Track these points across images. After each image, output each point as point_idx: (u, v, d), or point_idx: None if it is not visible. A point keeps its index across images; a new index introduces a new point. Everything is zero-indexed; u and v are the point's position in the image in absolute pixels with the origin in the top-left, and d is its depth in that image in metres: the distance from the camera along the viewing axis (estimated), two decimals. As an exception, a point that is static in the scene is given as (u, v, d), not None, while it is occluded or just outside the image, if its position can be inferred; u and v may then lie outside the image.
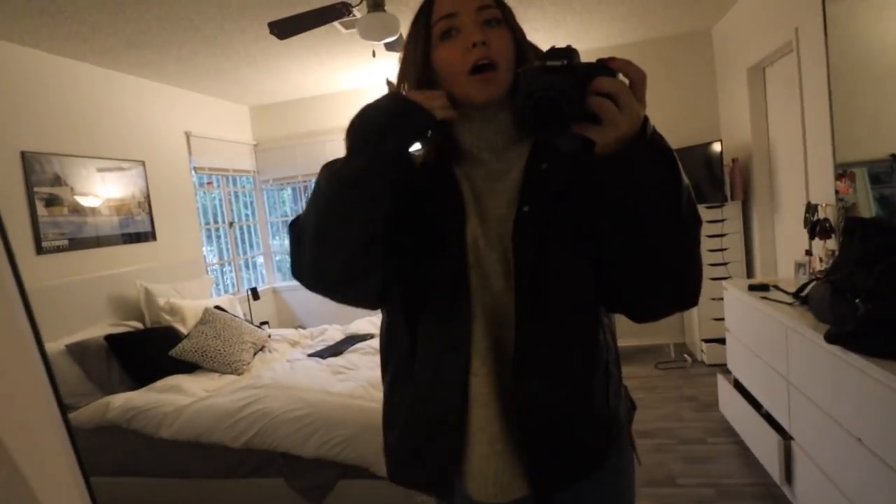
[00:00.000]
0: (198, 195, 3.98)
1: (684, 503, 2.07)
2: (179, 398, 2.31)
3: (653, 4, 3.17)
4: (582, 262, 0.70)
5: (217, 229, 4.30)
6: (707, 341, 3.48)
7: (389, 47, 2.68)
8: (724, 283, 2.63)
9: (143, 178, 3.38)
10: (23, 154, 2.63)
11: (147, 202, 3.39)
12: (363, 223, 0.65)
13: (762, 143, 3.32)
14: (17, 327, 0.32)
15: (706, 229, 3.34)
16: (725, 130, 3.78)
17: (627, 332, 3.67)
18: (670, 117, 3.80)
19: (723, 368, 2.75)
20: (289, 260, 0.74)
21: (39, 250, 2.66)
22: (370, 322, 3.34)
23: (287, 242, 0.72)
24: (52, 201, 2.75)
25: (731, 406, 2.51)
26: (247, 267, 4.66)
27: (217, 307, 3.13)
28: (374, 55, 3.00)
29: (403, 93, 0.72)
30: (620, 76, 0.60)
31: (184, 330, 2.88)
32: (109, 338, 2.57)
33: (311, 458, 1.98)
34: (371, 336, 3.08)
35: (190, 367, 2.68)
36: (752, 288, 2.33)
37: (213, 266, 4.16)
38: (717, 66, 3.86)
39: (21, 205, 2.61)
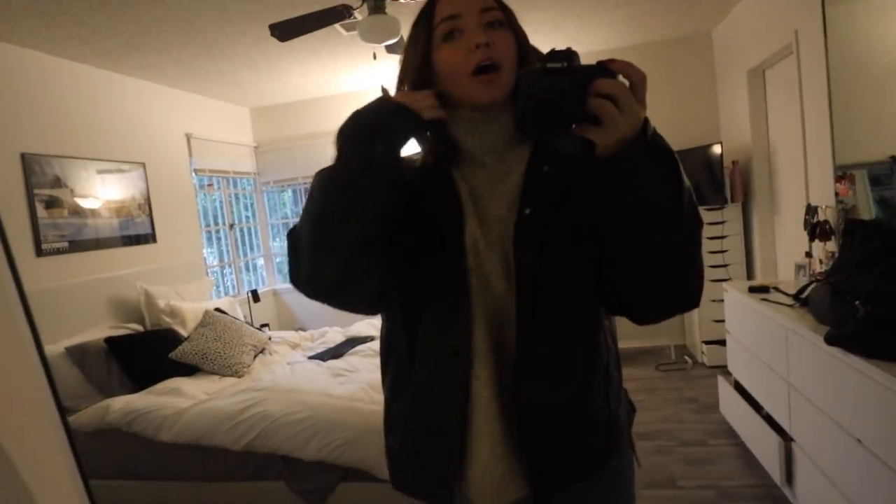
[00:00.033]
0: (198, 197, 3.98)
1: (685, 505, 2.07)
2: (179, 401, 2.31)
3: (653, 7, 3.18)
4: (583, 264, 0.70)
5: (217, 231, 4.30)
6: (707, 343, 3.48)
7: (390, 49, 2.69)
8: (724, 284, 2.63)
9: (144, 180, 3.38)
10: (23, 156, 2.63)
11: (147, 204, 3.39)
12: (357, 225, 0.65)
13: (762, 146, 3.32)
14: (16, 330, 0.32)
15: (706, 231, 3.34)
16: (725, 132, 3.78)
17: (628, 334, 3.67)
18: (671, 119, 3.80)
19: (723, 370, 2.75)
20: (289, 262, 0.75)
21: (39, 252, 2.66)
22: (370, 324, 3.34)
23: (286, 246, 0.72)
24: (52, 203, 2.75)
25: (732, 408, 2.50)
26: (247, 269, 4.66)
27: (217, 309, 3.12)
28: (374, 57, 3.00)
29: (392, 95, 0.73)
30: (620, 78, 0.60)
31: (184, 332, 2.87)
32: (109, 340, 2.57)
33: (311, 460, 1.97)
34: (371, 338, 3.07)
35: (190, 370, 2.68)
36: (752, 290, 2.33)
37: (213, 268, 4.16)
38: (717, 68, 3.87)
39: (21, 207, 2.61)
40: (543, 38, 3.42)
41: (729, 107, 3.72)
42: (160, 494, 2.13)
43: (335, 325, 3.63)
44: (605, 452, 0.74)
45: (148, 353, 2.66)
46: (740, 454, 2.36)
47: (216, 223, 4.28)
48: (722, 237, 3.50)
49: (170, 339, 2.77)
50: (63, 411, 0.35)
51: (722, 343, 2.93)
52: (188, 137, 3.84)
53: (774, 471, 1.97)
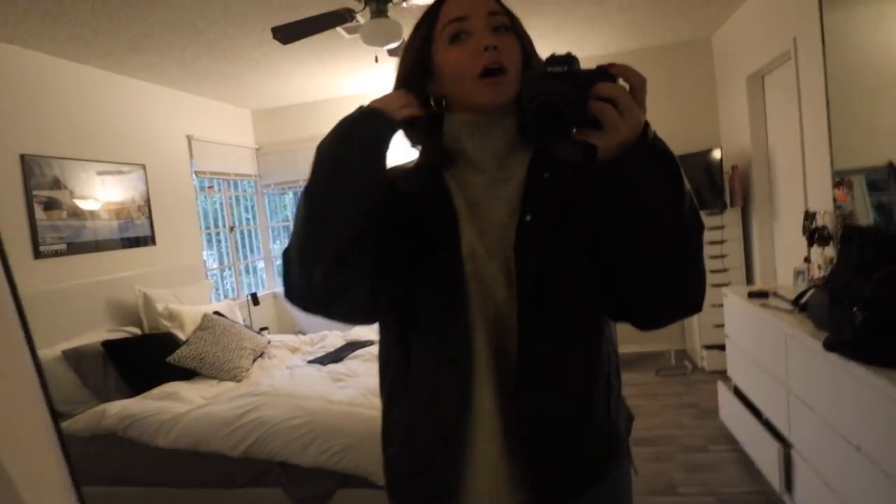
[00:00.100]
0: (198, 199, 3.98)
1: (684, 512, 2.06)
2: (177, 406, 2.29)
3: (653, 13, 3.19)
4: (585, 270, 0.70)
5: (217, 234, 4.30)
6: (707, 348, 3.47)
7: (392, 53, 2.70)
8: (723, 289, 2.63)
9: (144, 182, 3.38)
10: (22, 157, 2.63)
11: (147, 206, 3.39)
12: (336, 231, 0.65)
13: (761, 151, 3.33)
14: (8, 332, 0.31)
15: (706, 235, 3.34)
16: (725, 137, 3.79)
17: (629, 339, 3.66)
18: (670, 124, 3.81)
19: (723, 375, 2.74)
20: None
21: (37, 254, 2.65)
22: (370, 328, 3.33)
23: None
24: (50, 205, 2.74)
25: (732, 413, 2.50)
26: (247, 272, 4.66)
27: (216, 313, 3.12)
28: (376, 60, 3.01)
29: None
30: (621, 81, 0.60)
31: (182, 336, 2.86)
32: (106, 344, 2.56)
33: (309, 467, 1.96)
34: (371, 342, 3.06)
35: (188, 374, 2.67)
36: (751, 295, 2.32)
37: (212, 271, 4.15)
38: (716, 73, 3.88)
39: (19, 208, 2.60)
40: (546, 43, 3.43)
41: (728, 112, 3.73)
42: (156, 501, 2.12)
43: (335, 329, 3.62)
44: (607, 462, 0.73)
45: (145, 356, 2.65)
46: (740, 460, 2.35)
47: (216, 225, 4.28)
48: (721, 242, 3.50)
49: (168, 342, 2.76)
50: (56, 416, 0.35)
51: (722, 348, 2.93)
52: (189, 139, 3.84)
53: (774, 477, 1.96)
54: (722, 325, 2.71)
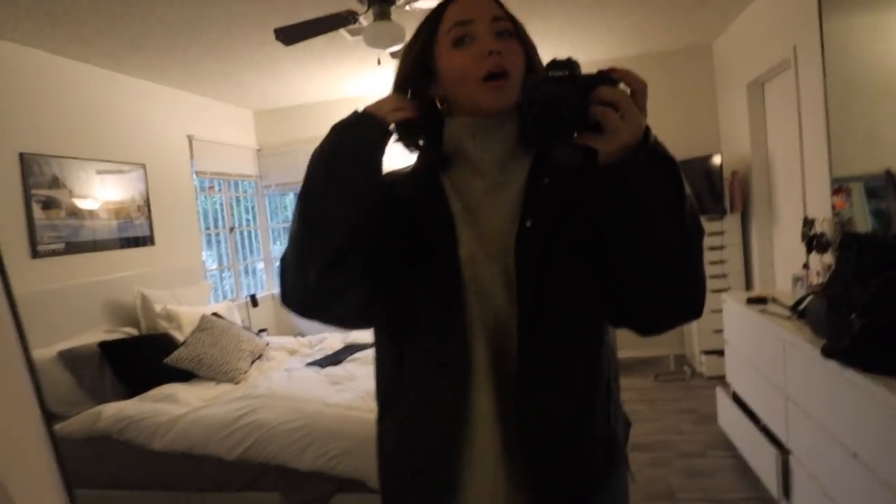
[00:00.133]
0: (198, 199, 3.97)
1: (682, 518, 2.05)
2: (174, 408, 2.28)
3: (655, 19, 3.20)
4: (585, 276, 0.70)
5: (217, 234, 4.29)
6: (706, 353, 3.47)
7: (395, 55, 2.70)
8: (722, 295, 2.63)
9: (144, 182, 3.37)
10: (21, 155, 2.62)
11: (147, 206, 3.38)
12: (329, 230, 0.65)
13: (761, 157, 3.34)
14: (0, 332, 0.31)
15: (705, 241, 3.35)
16: (725, 143, 3.80)
17: (628, 344, 3.65)
18: (671, 129, 3.82)
19: (722, 381, 2.74)
20: None
21: (35, 254, 2.64)
22: (369, 331, 3.31)
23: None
24: (49, 204, 2.74)
25: (730, 419, 2.49)
26: (246, 273, 4.65)
27: (214, 314, 3.11)
28: (379, 63, 3.01)
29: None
30: (622, 86, 0.60)
31: (181, 337, 2.85)
32: (103, 344, 2.54)
33: (306, 471, 1.95)
34: (370, 345, 3.05)
35: (185, 376, 2.65)
36: (750, 301, 2.32)
37: (212, 272, 4.14)
38: (717, 80, 3.89)
39: (17, 207, 2.59)
40: (548, 46, 3.44)
41: (729, 118, 3.74)
42: None
43: (334, 331, 3.61)
44: (607, 470, 0.73)
45: (142, 358, 2.64)
46: (738, 466, 2.35)
47: (216, 226, 4.27)
48: (721, 247, 3.50)
49: (165, 344, 2.75)
50: (49, 418, 0.34)
51: (721, 353, 2.92)
52: (190, 139, 3.84)
53: (772, 484, 1.96)
54: (721, 331, 2.71)
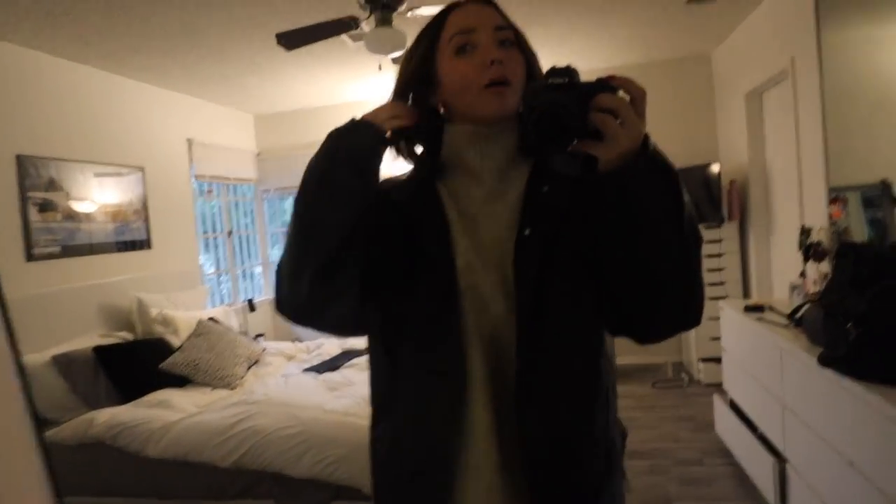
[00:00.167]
0: (197, 203, 3.97)
1: (679, 527, 2.04)
2: (168, 414, 2.26)
3: (654, 28, 3.23)
4: (584, 284, 0.70)
5: (215, 238, 4.28)
6: (704, 360, 3.47)
7: (396, 61, 2.71)
8: (720, 303, 2.63)
9: (142, 185, 3.36)
10: (18, 157, 2.61)
11: (144, 209, 3.37)
12: (323, 235, 0.65)
13: (759, 166, 3.36)
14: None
15: (704, 248, 3.37)
16: (723, 152, 3.82)
17: (626, 350, 3.65)
18: (670, 138, 3.83)
19: (719, 388, 2.73)
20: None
21: (30, 257, 2.62)
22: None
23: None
24: (45, 206, 2.73)
25: (727, 427, 2.49)
26: (244, 277, 4.63)
27: (211, 319, 3.09)
28: (380, 68, 3.03)
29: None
30: (621, 93, 0.61)
31: (177, 342, 2.83)
32: (98, 349, 2.52)
33: (302, 478, 1.93)
34: (368, 351, 3.04)
35: (181, 381, 2.63)
36: (747, 309, 2.33)
37: (209, 276, 4.13)
38: (716, 89, 3.92)
39: (13, 210, 2.58)
40: (549, 54, 3.46)
41: (727, 127, 3.76)
42: (144, 510, 2.08)
43: (331, 336, 3.59)
44: (605, 481, 0.73)
45: (137, 363, 2.62)
46: (735, 474, 2.34)
47: (214, 230, 4.26)
48: (719, 255, 3.51)
49: (161, 348, 2.73)
50: (39, 425, 0.34)
51: (718, 361, 2.92)
52: (190, 142, 3.84)
53: (769, 492, 1.95)
54: (718, 338, 2.71)
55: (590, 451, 0.71)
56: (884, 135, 2.02)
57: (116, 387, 2.49)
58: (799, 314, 1.92)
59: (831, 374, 1.47)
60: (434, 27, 0.74)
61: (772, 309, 2.26)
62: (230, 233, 4.37)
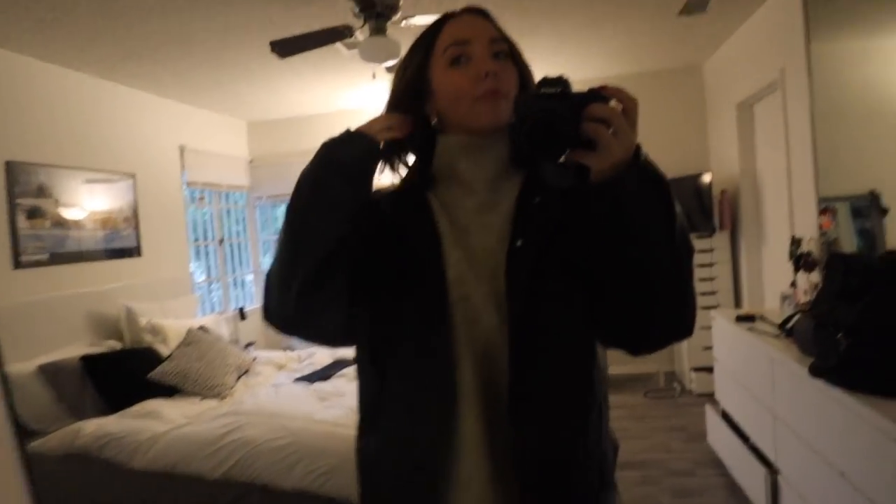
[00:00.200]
0: (188, 210, 3.94)
1: (673, 538, 2.03)
2: (156, 425, 2.22)
3: (647, 39, 3.27)
4: (577, 296, 0.69)
5: (206, 246, 4.25)
6: (696, 370, 3.47)
7: (390, 70, 2.72)
8: (711, 312, 2.64)
9: (133, 192, 3.33)
10: (8, 164, 2.58)
11: (134, 216, 3.34)
12: (312, 244, 0.65)
13: (750, 177, 3.39)
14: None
15: (695, 258, 3.39)
16: (715, 162, 3.86)
17: (617, 360, 3.65)
18: (662, 148, 3.85)
19: (711, 398, 2.73)
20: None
21: (17, 264, 2.58)
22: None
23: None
24: (34, 213, 2.69)
25: (719, 437, 2.48)
26: (235, 285, 4.59)
27: (201, 327, 3.06)
28: (374, 77, 3.03)
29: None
30: (613, 103, 0.61)
31: (166, 351, 2.79)
32: (85, 358, 2.48)
33: (292, 490, 1.89)
34: (358, 359, 3.01)
35: (169, 391, 2.59)
36: (739, 318, 2.34)
37: (200, 284, 4.09)
38: (707, 100, 3.97)
39: (1, 216, 2.54)
40: (542, 64, 3.49)
41: (718, 138, 3.80)
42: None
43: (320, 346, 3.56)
44: (599, 492, 0.72)
45: (125, 372, 2.57)
46: (727, 485, 2.33)
47: (205, 237, 4.23)
48: (710, 265, 3.54)
49: (149, 358, 2.69)
50: (21, 435, 0.33)
51: (710, 370, 2.93)
52: (182, 149, 3.82)
53: (761, 502, 1.95)
54: (710, 348, 2.71)
55: (583, 463, 0.70)
56: (872, 146, 2.05)
57: (104, 397, 2.44)
58: (790, 324, 1.93)
59: (822, 385, 1.48)
60: (429, 37, 0.75)
61: (763, 318, 2.28)
62: (221, 240, 4.34)
